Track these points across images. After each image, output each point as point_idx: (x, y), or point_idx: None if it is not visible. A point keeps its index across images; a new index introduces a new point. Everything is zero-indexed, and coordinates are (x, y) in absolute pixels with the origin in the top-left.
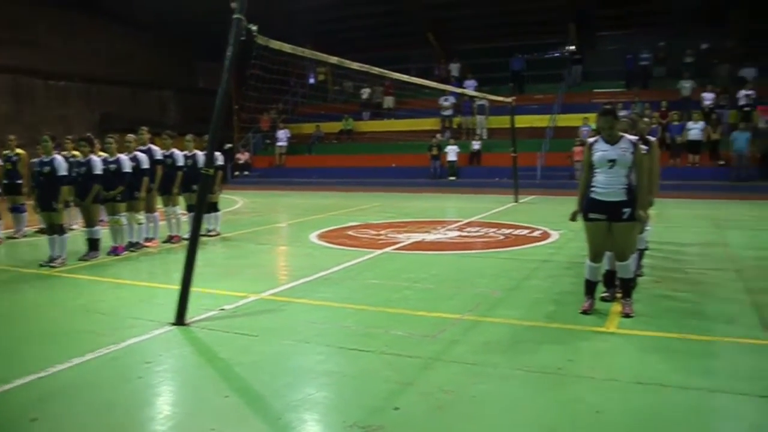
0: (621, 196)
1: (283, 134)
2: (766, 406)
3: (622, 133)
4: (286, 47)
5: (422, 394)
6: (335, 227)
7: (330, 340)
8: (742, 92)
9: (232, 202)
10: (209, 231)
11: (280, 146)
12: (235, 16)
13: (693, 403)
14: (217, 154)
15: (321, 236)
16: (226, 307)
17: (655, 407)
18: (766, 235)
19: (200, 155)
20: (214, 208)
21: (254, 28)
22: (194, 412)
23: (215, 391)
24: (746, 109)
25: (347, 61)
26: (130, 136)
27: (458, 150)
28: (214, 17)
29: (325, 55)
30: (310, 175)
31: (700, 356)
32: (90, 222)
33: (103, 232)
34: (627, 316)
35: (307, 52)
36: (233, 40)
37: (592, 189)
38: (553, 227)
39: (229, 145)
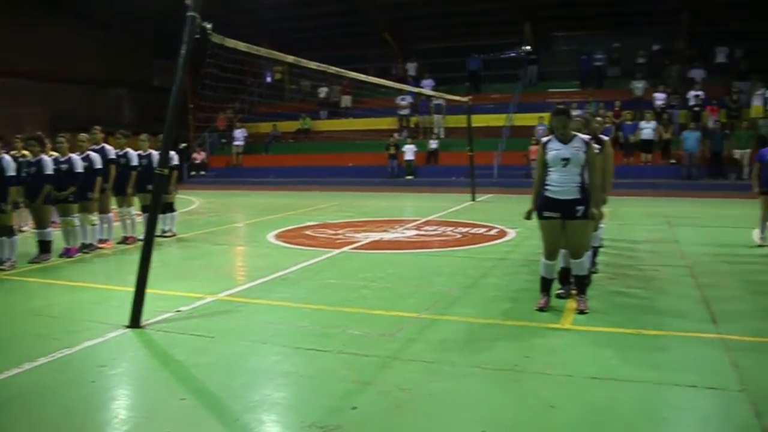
0: (575, 195)
1: (239, 133)
2: (715, 397)
3: (575, 133)
4: (242, 46)
5: (380, 393)
6: (293, 227)
7: (287, 340)
8: (692, 93)
9: (189, 202)
10: (165, 232)
11: (237, 146)
12: (189, 13)
13: (644, 396)
14: (172, 153)
15: (278, 236)
16: (182, 308)
17: (608, 401)
18: (715, 232)
19: (155, 155)
20: (169, 208)
21: (209, 26)
22: (150, 415)
23: (171, 393)
24: (696, 109)
25: (304, 60)
26: (83, 136)
27: (415, 149)
28: (171, 14)
29: (281, 54)
30: (267, 175)
31: (652, 350)
32: (41, 223)
33: (55, 234)
34: (582, 312)
35: (263, 51)
36: (187, 38)
37: (547, 187)
38: (510, 225)
39: (184, 145)
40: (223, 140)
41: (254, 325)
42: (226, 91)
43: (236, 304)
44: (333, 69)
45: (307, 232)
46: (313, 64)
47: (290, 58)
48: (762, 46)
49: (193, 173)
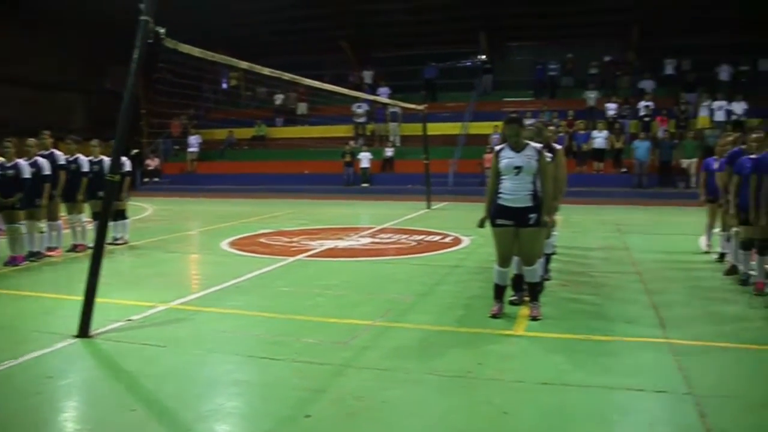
0: (527, 203)
1: (194, 140)
2: (662, 400)
3: (527, 141)
4: (196, 51)
5: (333, 401)
6: (247, 235)
7: (240, 349)
8: (642, 103)
9: (141, 209)
10: (116, 239)
11: (192, 152)
12: (141, 17)
13: (594, 401)
14: (125, 159)
15: (232, 244)
16: (133, 317)
17: (559, 406)
18: (664, 239)
19: (107, 161)
20: (121, 215)
21: (162, 30)
22: (98, 427)
23: (121, 404)
24: (646, 119)
25: (258, 66)
26: (31, 141)
27: (371, 157)
28: (124, 18)
29: (235, 60)
30: (222, 182)
31: (602, 355)
32: None
33: (1, 242)
34: (534, 318)
35: (217, 57)
36: (139, 42)
37: (500, 195)
38: (465, 233)
39: (136, 151)
40: (176, 146)
41: (207, 333)
42: (181, 97)
43: (189, 313)
44: (288, 76)
45: (262, 240)
46: (267, 71)
47: (244, 64)
48: (707, 60)
49: (146, 180)
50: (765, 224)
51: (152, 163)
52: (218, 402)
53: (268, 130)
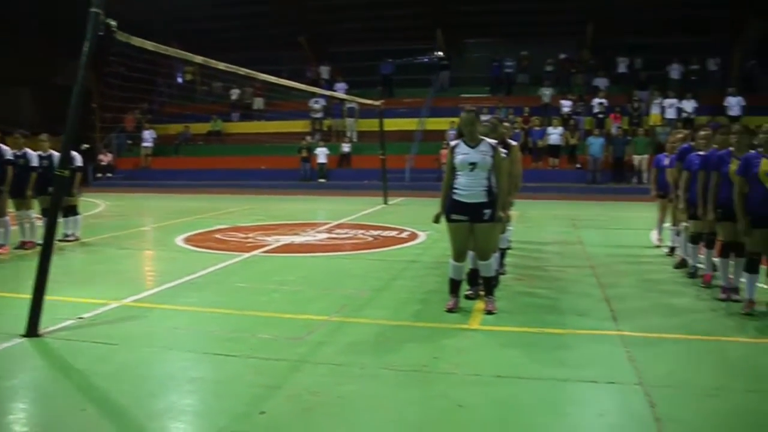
0: (482, 198)
1: (148, 135)
2: (613, 391)
3: (482, 137)
4: (149, 45)
5: (289, 397)
6: (202, 230)
7: (195, 345)
8: (596, 100)
9: (94, 205)
10: (67, 236)
11: (146, 147)
12: (92, 9)
13: (547, 393)
14: (76, 154)
15: (187, 240)
16: (84, 315)
17: (513, 398)
18: (617, 234)
19: (57, 156)
20: (72, 211)
21: (114, 23)
22: (47, 429)
23: (71, 404)
24: (600, 116)
25: (213, 61)
26: None
27: (328, 152)
28: (76, 10)
29: (189, 54)
30: (177, 177)
31: (556, 348)
32: None
33: None
34: (490, 313)
35: (171, 51)
36: (90, 35)
37: (454, 191)
38: (421, 228)
39: (86, 146)
40: (129, 141)
41: (160, 330)
42: (134, 91)
43: (142, 310)
44: (244, 70)
45: (217, 236)
46: (222, 65)
47: (199, 59)
48: (658, 59)
49: (99, 175)
50: (712, 219)
51: (105, 158)
52: (172, 400)
53: (224, 125)
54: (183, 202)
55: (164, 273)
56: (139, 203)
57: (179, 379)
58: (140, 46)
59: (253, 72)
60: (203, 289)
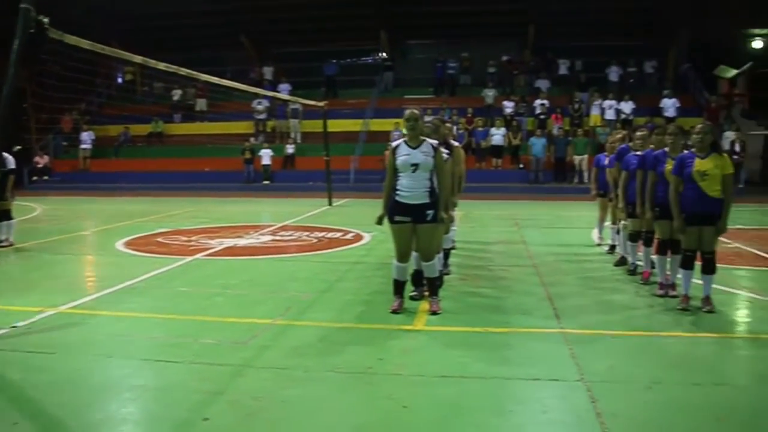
0: (424, 199)
1: (86, 136)
2: (556, 388)
3: (424, 138)
4: (84, 43)
5: (232, 403)
6: (143, 234)
7: (135, 352)
8: (538, 101)
9: (29, 209)
10: (0, 241)
11: (84, 149)
12: (22, 5)
13: (491, 391)
14: (7, 156)
15: (128, 244)
16: (18, 324)
17: (457, 397)
18: (559, 233)
19: None
20: (6, 215)
21: (46, 20)
22: None
23: (2, 419)
24: (542, 117)
25: (152, 61)
26: None
27: (272, 154)
28: (7, 6)
29: (128, 54)
30: (117, 180)
31: (500, 347)
32: None
33: None
34: (434, 313)
35: (108, 50)
36: (20, 32)
37: (397, 192)
38: (365, 230)
39: (19, 147)
40: (65, 143)
41: (100, 338)
42: (71, 91)
43: (80, 317)
44: (185, 71)
45: (159, 240)
46: (162, 65)
47: (138, 59)
48: (598, 61)
49: (34, 178)
50: (650, 217)
51: (41, 160)
52: (111, 409)
53: (166, 126)
54: (123, 205)
55: (104, 278)
56: (77, 207)
57: (119, 387)
58: (75, 44)
59: (195, 72)
60: (144, 294)
